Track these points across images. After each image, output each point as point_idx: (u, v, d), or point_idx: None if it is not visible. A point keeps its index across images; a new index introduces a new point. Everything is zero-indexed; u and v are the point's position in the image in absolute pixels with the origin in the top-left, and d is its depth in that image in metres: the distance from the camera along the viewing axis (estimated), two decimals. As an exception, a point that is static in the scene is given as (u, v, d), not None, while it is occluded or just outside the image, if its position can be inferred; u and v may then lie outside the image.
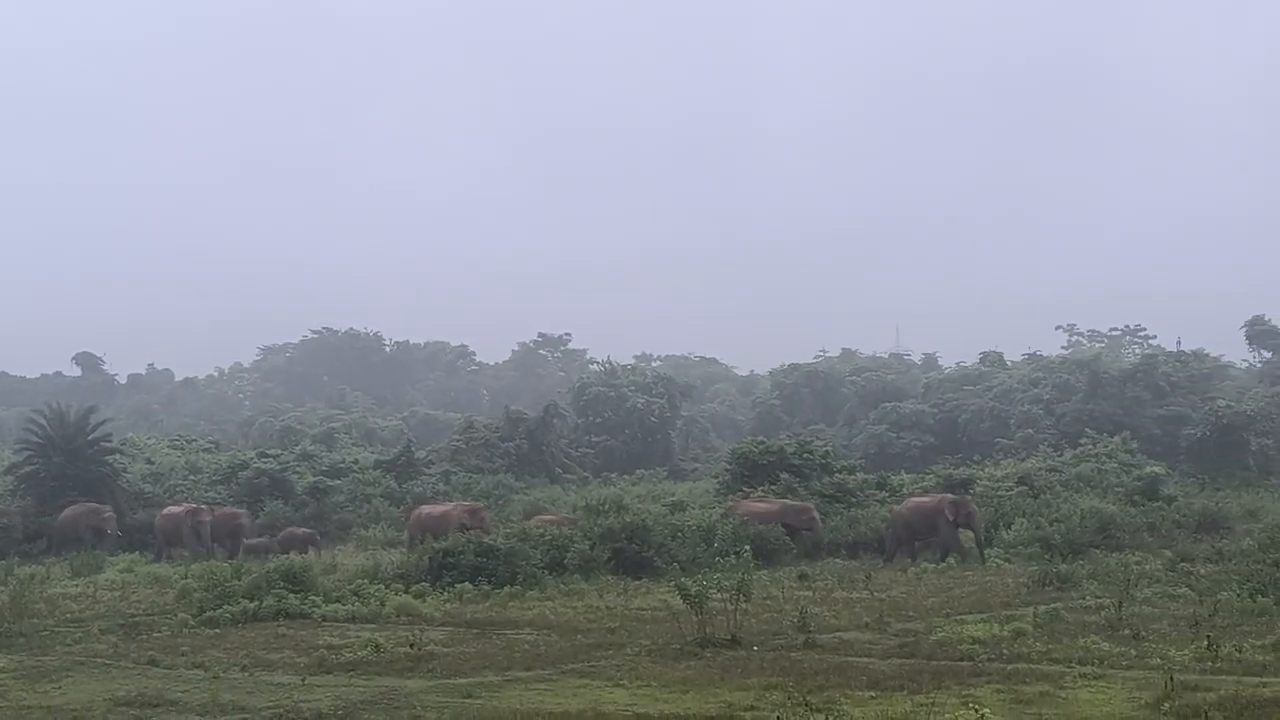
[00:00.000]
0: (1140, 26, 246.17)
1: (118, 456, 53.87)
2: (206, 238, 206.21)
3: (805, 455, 46.34)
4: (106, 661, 19.61)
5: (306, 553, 38.04)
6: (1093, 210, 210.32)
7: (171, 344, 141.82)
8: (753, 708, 14.75)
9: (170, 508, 43.45)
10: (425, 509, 40.04)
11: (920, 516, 35.98)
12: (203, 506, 43.07)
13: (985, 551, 35.18)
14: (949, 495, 38.11)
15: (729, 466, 48.56)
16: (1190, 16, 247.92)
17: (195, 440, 72.09)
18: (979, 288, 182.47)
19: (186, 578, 30.32)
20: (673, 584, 21.91)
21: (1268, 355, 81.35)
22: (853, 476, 47.07)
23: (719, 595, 20.64)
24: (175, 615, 24.66)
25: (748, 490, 42.95)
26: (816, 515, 38.06)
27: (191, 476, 54.69)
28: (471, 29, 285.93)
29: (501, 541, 30.51)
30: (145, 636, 22.37)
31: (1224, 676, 16.38)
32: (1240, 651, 17.96)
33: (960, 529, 35.60)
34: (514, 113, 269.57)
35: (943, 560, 34.53)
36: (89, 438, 51.42)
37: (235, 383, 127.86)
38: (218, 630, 23.15)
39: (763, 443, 48.30)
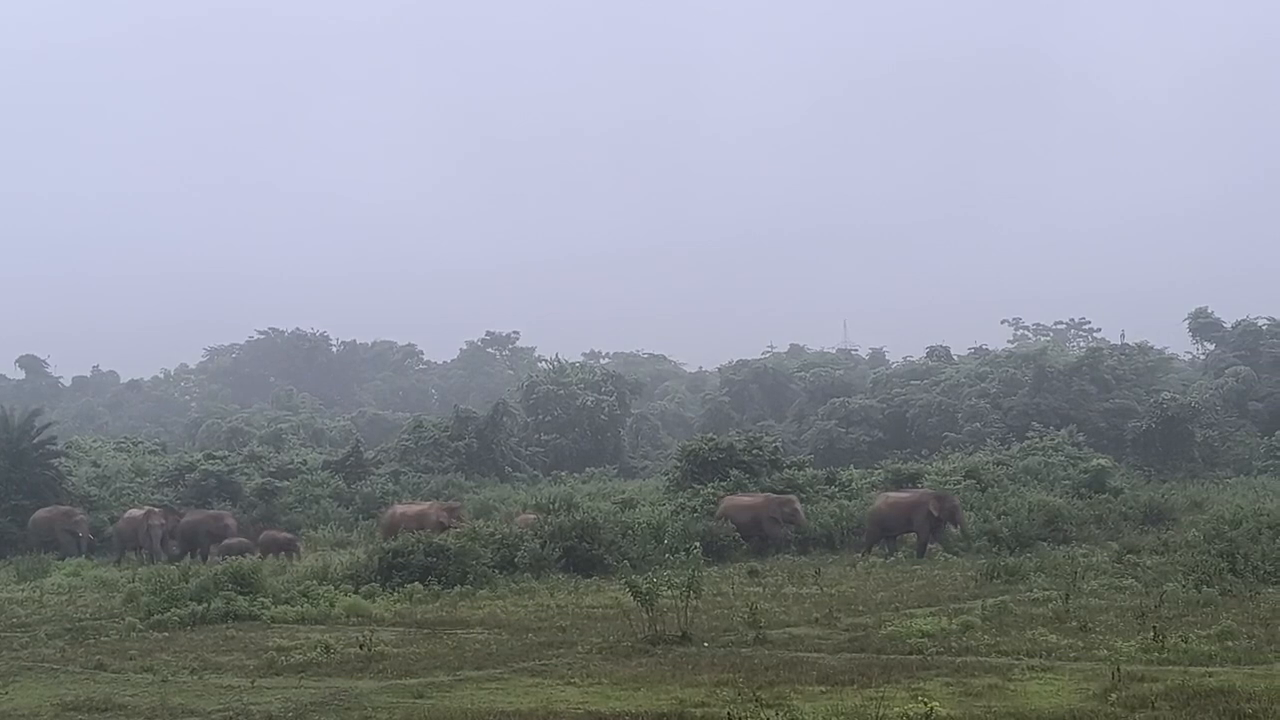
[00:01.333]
0: (1081, 27, 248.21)
1: (63, 460, 53.43)
2: (151, 241, 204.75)
3: (755, 451, 46.38)
4: (54, 666, 19.47)
5: (291, 556, 37.77)
6: (1038, 207, 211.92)
7: (116, 346, 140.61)
8: (704, 704, 14.77)
9: (131, 511, 43.15)
10: (401, 508, 39.89)
11: (898, 512, 35.90)
12: (155, 510, 42.64)
13: (930, 546, 35.38)
14: (931, 490, 38.19)
15: (679, 463, 48.58)
16: (1130, 16, 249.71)
17: (141, 442, 71.62)
18: (926, 283, 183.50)
19: (134, 581, 30.13)
20: (624, 581, 21.92)
21: (1211, 347, 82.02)
22: (802, 472, 47.16)
23: (670, 592, 20.65)
24: (123, 619, 24.51)
25: (697, 487, 42.97)
26: (799, 507, 37.95)
27: (138, 479, 54.31)
28: (413, 34, 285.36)
29: (452, 541, 30.44)
30: (93, 641, 22.21)
31: (1170, 667, 16.52)
32: (1186, 642, 18.10)
33: (945, 524, 35.50)
34: (459, 116, 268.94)
35: (921, 555, 34.45)
36: (34, 441, 50.96)
37: (181, 384, 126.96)
38: (166, 633, 23.02)
39: (712, 439, 48.33)
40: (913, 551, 35.23)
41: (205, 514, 43.17)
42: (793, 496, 39.23)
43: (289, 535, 41.36)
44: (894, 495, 37.85)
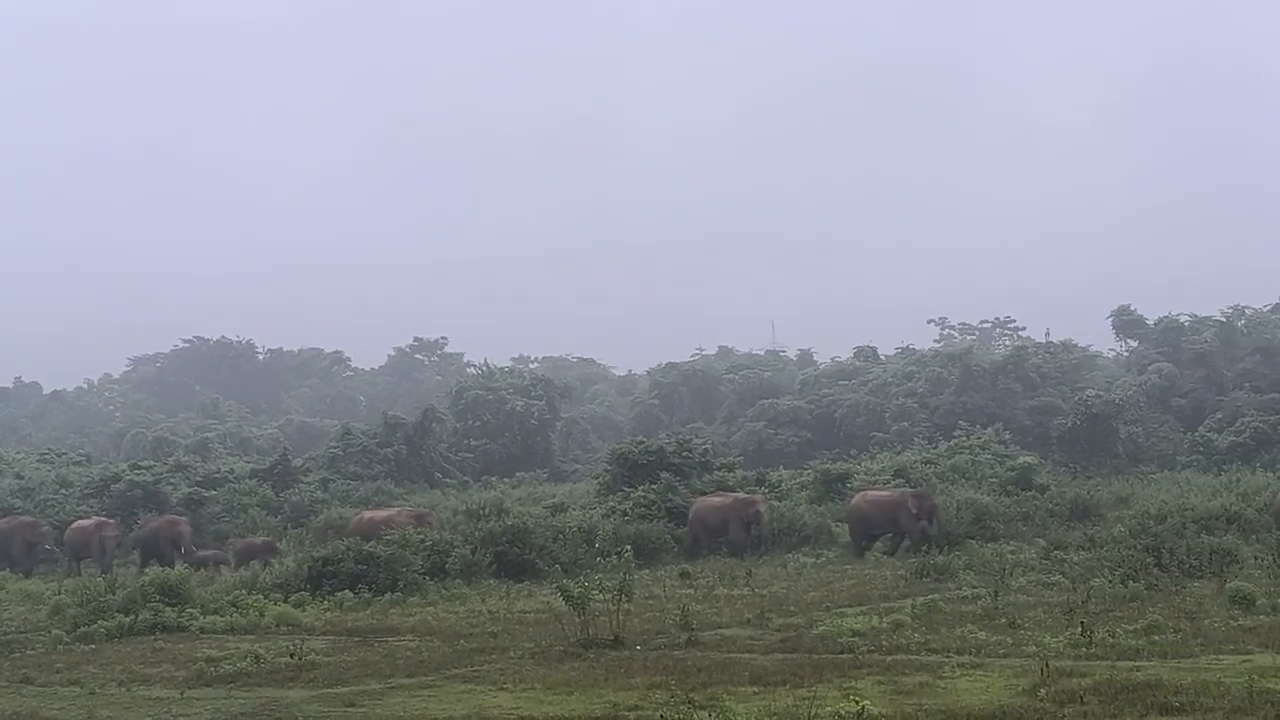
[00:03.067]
0: (1002, 44, 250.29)
1: (-15, 472, 52.80)
2: (66, 241, 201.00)
3: (685, 454, 46.44)
4: (-21, 681, 19.24)
5: (268, 563, 37.18)
6: (963, 217, 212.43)
7: (38, 357, 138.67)
8: (637, 707, 14.79)
9: (80, 521, 42.39)
10: (369, 514, 39.40)
11: (879, 510, 35.89)
12: (109, 520, 42.27)
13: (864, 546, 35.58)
14: (910, 489, 38.29)
15: (609, 467, 48.57)
16: (1048, 32, 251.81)
17: (66, 454, 70.73)
18: (853, 285, 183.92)
19: (60, 594, 29.78)
20: (555, 586, 21.91)
21: (1134, 345, 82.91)
22: (732, 474, 47.31)
23: (601, 596, 20.68)
24: (49, 632, 24.21)
25: (628, 490, 42.95)
26: (763, 509, 37.53)
27: (62, 490, 53.62)
28: (335, 26, 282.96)
29: (381, 548, 30.30)
30: (18, 654, 21.94)
31: (1098, 662, 16.70)
32: (1113, 637, 18.32)
33: (922, 522, 35.35)
34: (378, 113, 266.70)
35: (893, 554, 34.47)
36: (-46, 453, 50.36)
37: (105, 394, 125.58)
38: (93, 646, 22.77)
39: (642, 442, 48.36)
40: (843, 551, 35.42)
41: (160, 520, 42.45)
42: (759, 498, 39.02)
43: (267, 540, 40.51)
44: (873, 494, 37.70)
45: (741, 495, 39.32)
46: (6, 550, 41.98)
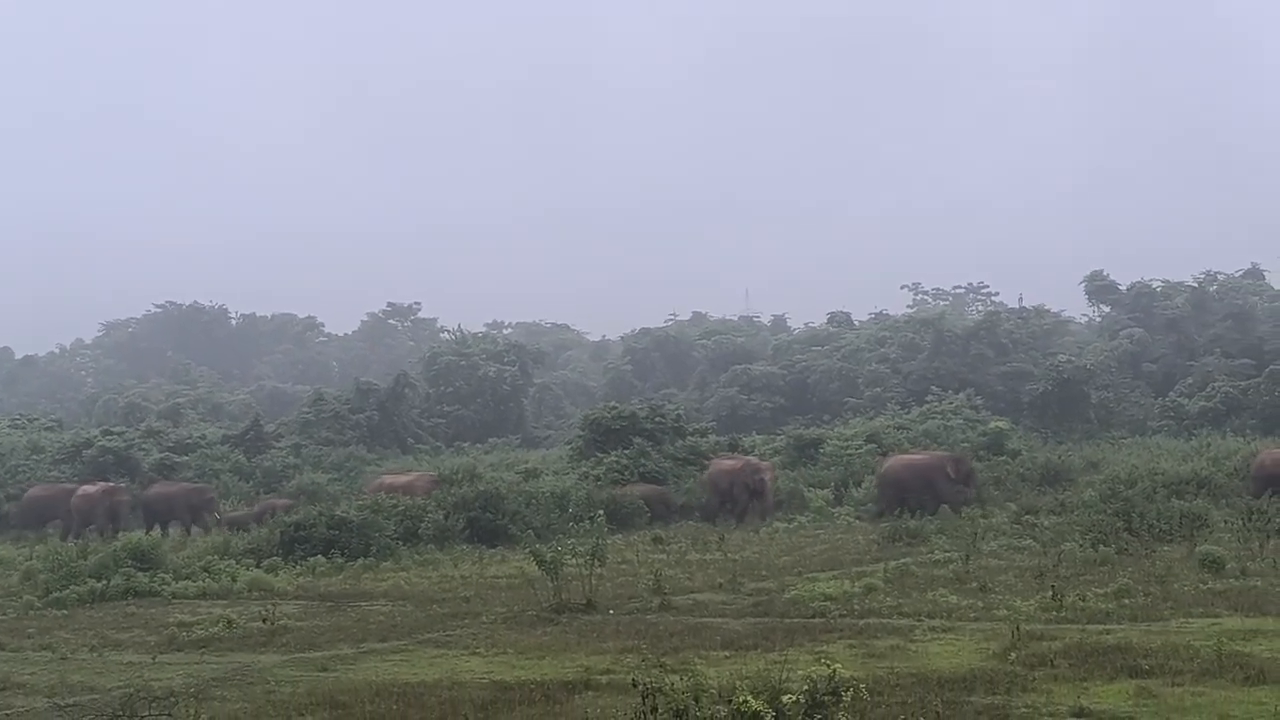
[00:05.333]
0: (973, 7, 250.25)
1: (-44, 438, 52.61)
2: (34, 202, 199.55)
3: (658, 419, 46.50)
4: (-51, 646, 19.17)
5: None
6: (936, 180, 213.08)
7: (9, 322, 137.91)
8: (609, 671, 14.82)
9: (85, 487, 41.29)
10: (389, 478, 39.44)
11: (914, 474, 35.49)
12: (120, 485, 41.85)
13: (841, 509, 35.59)
14: (946, 453, 37.96)
15: (582, 433, 48.62)
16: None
17: (37, 419, 70.41)
18: (827, 253, 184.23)
19: (31, 559, 29.70)
20: (528, 551, 21.93)
21: (1106, 310, 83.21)
22: (705, 439, 47.39)
23: (574, 561, 20.68)
24: (20, 597, 24.14)
25: (600, 455, 42.98)
26: (767, 475, 37.32)
27: (34, 456, 53.45)
28: (319, 10, 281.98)
29: (354, 513, 30.28)
30: (-11, 620, 21.90)
31: (1068, 625, 16.80)
32: (1084, 600, 18.42)
33: (959, 486, 35.18)
34: (341, 69, 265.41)
35: (933, 515, 33.37)
36: (-75, 419, 50.16)
37: (77, 360, 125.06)
38: (65, 611, 22.71)
39: (615, 408, 48.39)
40: (815, 516, 35.47)
41: (183, 486, 42.12)
42: (768, 464, 38.85)
43: (288, 502, 39.32)
44: (908, 457, 37.33)
45: (751, 459, 39.27)
46: None
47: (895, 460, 37.10)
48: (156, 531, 37.64)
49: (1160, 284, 79.67)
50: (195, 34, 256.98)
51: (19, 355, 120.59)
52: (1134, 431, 60.42)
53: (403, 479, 38.84)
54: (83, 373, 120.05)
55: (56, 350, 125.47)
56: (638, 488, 38.15)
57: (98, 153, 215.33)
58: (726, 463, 38.56)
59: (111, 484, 41.90)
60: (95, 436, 54.17)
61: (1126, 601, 18.45)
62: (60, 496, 41.24)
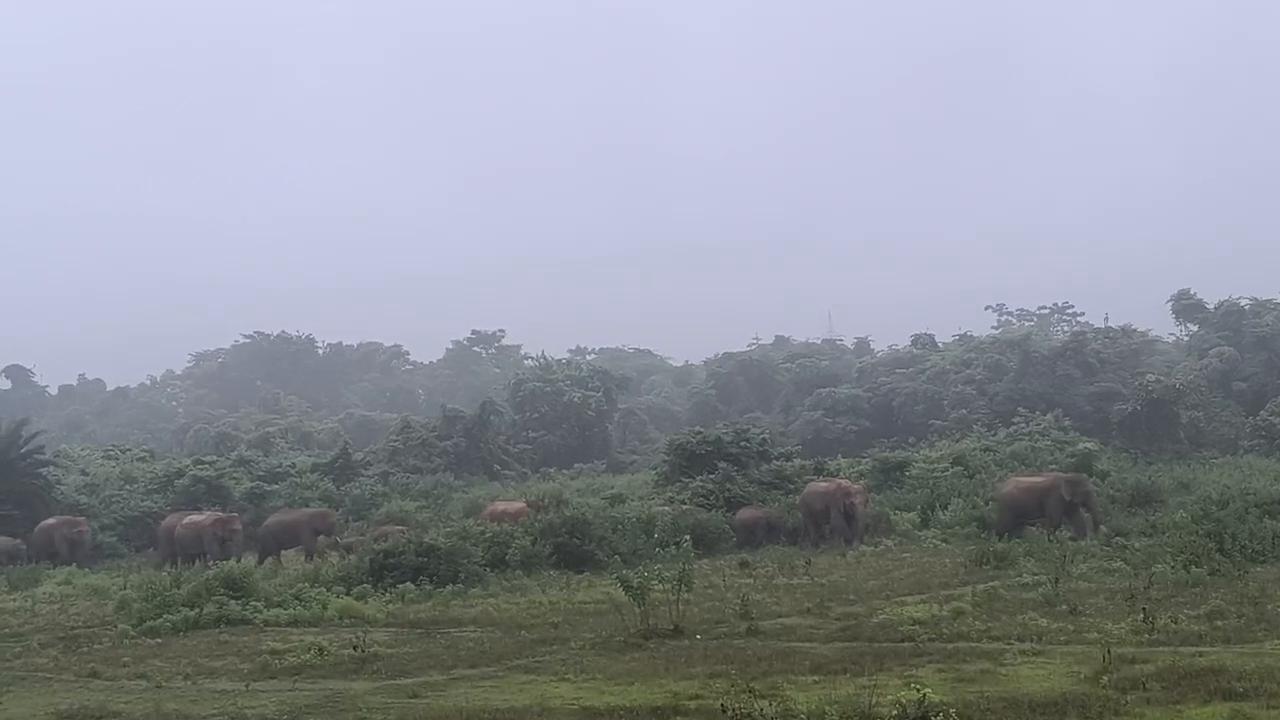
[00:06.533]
0: (1052, 19, 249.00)
1: (51, 469, 53.41)
2: (133, 255, 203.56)
3: (742, 444, 46.49)
4: (47, 675, 19.42)
5: None
6: (1018, 201, 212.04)
7: (103, 356, 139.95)
8: (697, 696, 14.81)
9: (192, 516, 40.88)
10: (500, 506, 39.42)
11: (1032, 497, 35.37)
12: (233, 515, 41.40)
13: (928, 532, 35.41)
14: (1063, 474, 37.75)
15: (667, 458, 48.70)
16: (1100, 5, 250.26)
17: (130, 449, 71.41)
18: (908, 273, 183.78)
19: (126, 589, 30.08)
20: (615, 576, 21.96)
21: (1194, 329, 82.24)
22: (790, 463, 47.33)
23: (661, 586, 20.70)
24: (115, 626, 24.45)
25: (686, 480, 42.97)
26: (859, 499, 37.14)
27: (127, 486, 54.20)
28: (385, 32, 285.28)
29: (442, 540, 30.45)
30: (86, 649, 22.13)
31: (1160, 648, 16.61)
32: (1175, 623, 18.22)
33: (1077, 508, 34.89)
34: (434, 120, 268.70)
35: (1052, 536, 33.17)
36: (21, 450, 50.94)
37: (168, 390, 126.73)
38: (159, 640, 22.96)
39: (700, 433, 48.45)
40: (902, 540, 35.33)
41: (313, 512, 41.88)
42: (855, 485, 38.68)
43: (401, 529, 38.59)
44: (1026, 480, 37.19)
45: (844, 482, 39.16)
46: (48, 548, 42.23)
47: (1013, 483, 37.00)
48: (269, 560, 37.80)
49: (1249, 302, 78.61)
50: (280, 75, 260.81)
51: (111, 387, 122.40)
52: (1225, 451, 59.66)
53: (515, 506, 39.03)
54: (174, 403, 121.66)
55: (148, 382, 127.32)
56: (749, 511, 38.24)
57: (203, 214, 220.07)
58: (820, 485, 38.47)
59: (222, 514, 41.41)
60: (187, 466, 54.87)
61: (1219, 623, 18.23)
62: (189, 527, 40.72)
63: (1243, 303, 78.56)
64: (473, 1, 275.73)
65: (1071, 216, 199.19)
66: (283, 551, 39.68)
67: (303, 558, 38.40)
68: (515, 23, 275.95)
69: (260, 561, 37.51)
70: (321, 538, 39.18)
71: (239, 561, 35.03)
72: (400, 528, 38.85)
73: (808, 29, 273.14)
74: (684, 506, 39.12)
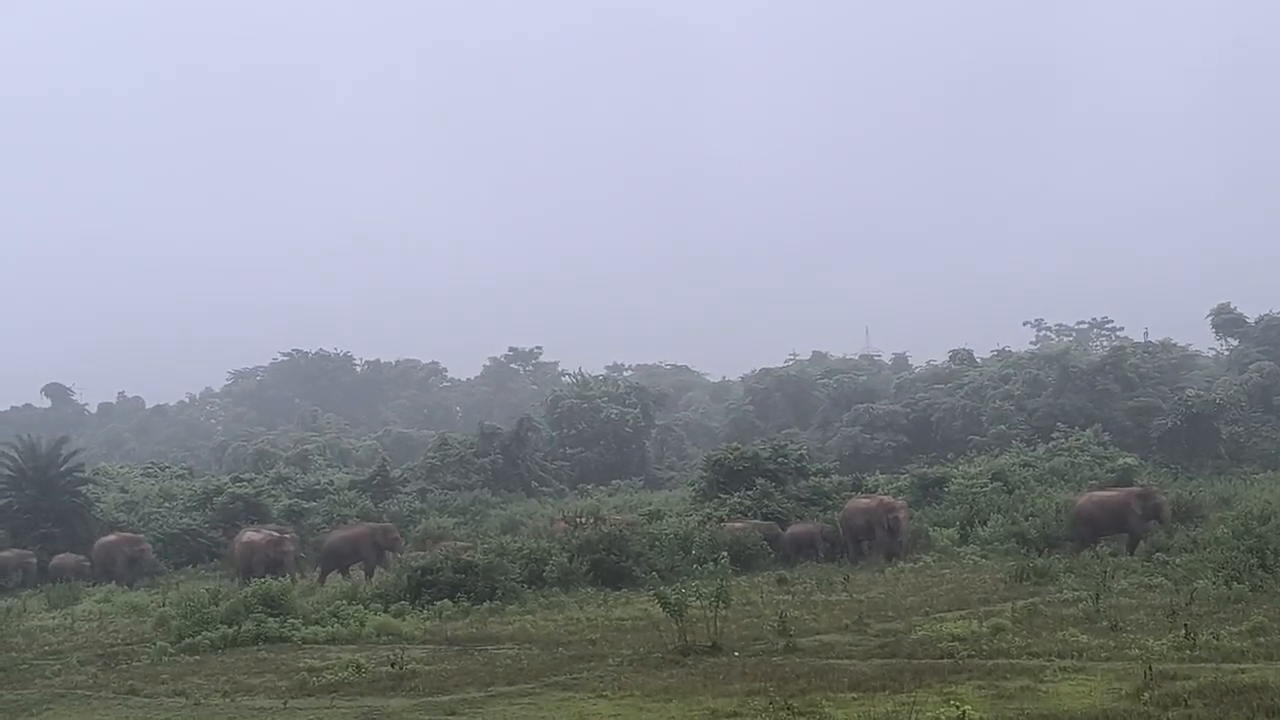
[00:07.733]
0: (1081, 24, 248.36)
1: (91, 486, 53.70)
2: (163, 266, 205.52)
3: (780, 459, 46.37)
4: (86, 693, 19.49)
5: None
6: (1052, 207, 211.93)
7: (141, 374, 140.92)
8: (736, 714, 14.76)
9: (249, 534, 39.98)
10: (565, 523, 39.33)
11: (1106, 512, 35.14)
12: (287, 534, 40.03)
13: (967, 548, 35.24)
14: (1136, 489, 37.60)
15: (704, 474, 48.60)
16: (1129, 8, 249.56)
17: (169, 467, 71.83)
18: (946, 287, 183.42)
19: (164, 606, 30.19)
20: (652, 593, 21.91)
21: (1234, 343, 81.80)
22: (828, 479, 47.17)
23: (698, 603, 20.64)
24: (154, 643, 24.51)
25: (724, 496, 42.86)
26: (902, 515, 36.73)
27: (166, 504, 54.47)
28: (422, 53, 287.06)
29: (480, 557, 30.45)
30: (124, 666, 22.24)
31: (1203, 664, 16.46)
32: (1218, 639, 18.04)
33: (1150, 521, 34.61)
34: (463, 133, 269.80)
35: (1131, 553, 33.05)
36: (61, 469, 51.25)
37: (206, 408, 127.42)
38: (197, 657, 23.04)
39: (737, 449, 48.34)
40: (940, 556, 35.19)
41: (375, 525, 41.00)
42: (898, 502, 38.42)
43: (464, 544, 37.82)
44: (1100, 495, 36.98)
45: (885, 498, 39.04)
46: (110, 565, 42.40)
47: (1087, 498, 36.81)
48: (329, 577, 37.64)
49: (1289, 316, 78.23)
50: (312, 95, 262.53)
51: (150, 405, 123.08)
52: (1266, 466, 59.21)
53: (260, 536, 38.42)
54: (212, 421, 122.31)
55: (186, 400, 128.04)
56: (801, 526, 38.23)
57: (240, 235, 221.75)
58: (862, 501, 38.37)
59: (277, 532, 40.24)
60: (225, 483, 55.08)
61: (1262, 640, 18.05)
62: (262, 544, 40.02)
63: (1283, 317, 78.19)
64: (500, 13, 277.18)
65: (1105, 221, 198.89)
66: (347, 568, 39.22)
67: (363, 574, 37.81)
68: (543, 33, 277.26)
69: (322, 579, 37.44)
70: (387, 553, 38.54)
71: (293, 580, 35.23)
72: (466, 544, 38.75)
73: (832, 38, 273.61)
74: (754, 520, 39.01)
